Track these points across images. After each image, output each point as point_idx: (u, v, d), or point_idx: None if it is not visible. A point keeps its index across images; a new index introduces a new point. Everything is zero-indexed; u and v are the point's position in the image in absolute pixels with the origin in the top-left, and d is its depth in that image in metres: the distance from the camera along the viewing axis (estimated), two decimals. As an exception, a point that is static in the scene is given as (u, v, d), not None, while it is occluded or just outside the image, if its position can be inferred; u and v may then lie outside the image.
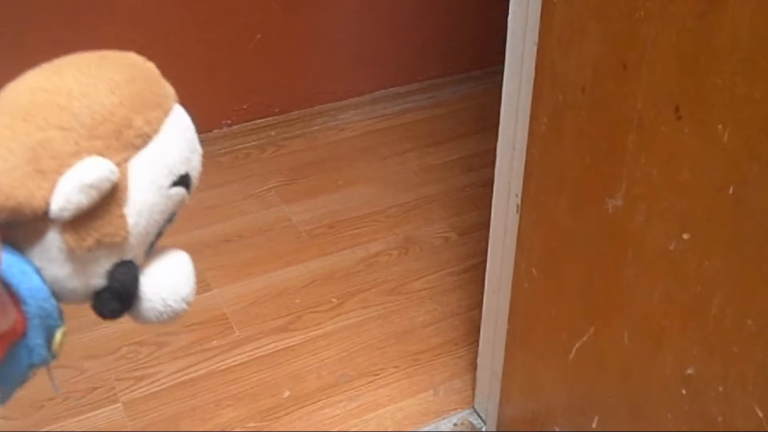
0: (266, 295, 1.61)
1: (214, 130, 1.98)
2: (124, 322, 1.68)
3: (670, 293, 0.76)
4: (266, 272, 1.66)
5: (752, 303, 0.66)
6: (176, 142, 0.57)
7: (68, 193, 0.49)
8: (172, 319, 0.59)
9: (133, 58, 0.57)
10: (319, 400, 1.42)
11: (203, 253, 1.68)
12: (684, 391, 0.76)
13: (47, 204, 0.50)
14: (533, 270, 1.01)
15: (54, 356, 0.54)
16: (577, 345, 0.93)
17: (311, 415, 1.39)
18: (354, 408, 1.41)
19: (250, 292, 1.61)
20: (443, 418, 1.39)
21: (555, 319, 0.99)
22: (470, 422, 1.39)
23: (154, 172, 0.55)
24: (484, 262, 1.23)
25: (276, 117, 2.04)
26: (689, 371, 0.75)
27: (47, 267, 0.52)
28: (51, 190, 0.50)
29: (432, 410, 1.41)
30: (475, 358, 1.35)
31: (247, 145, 1.99)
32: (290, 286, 1.63)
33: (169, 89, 0.58)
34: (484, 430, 1.37)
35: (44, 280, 0.52)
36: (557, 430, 1.04)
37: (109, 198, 0.52)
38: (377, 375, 1.46)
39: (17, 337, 0.50)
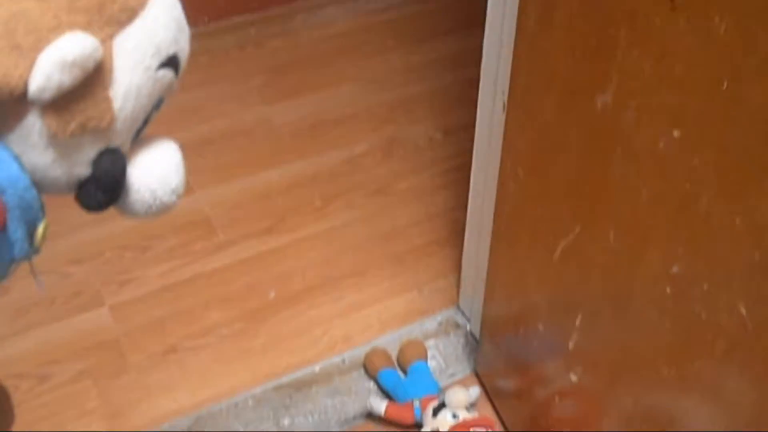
0: (249, 198, 1.59)
1: (191, 29, 1.91)
2: (107, 225, 1.64)
3: (658, 192, 0.75)
4: (248, 174, 1.64)
5: (741, 201, 0.65)
6: (163, 18, 0.53)
7: (48, 71, 0.46)
8: (161, 212, 0.57)
9: None
10: (304, 301, 1.43)
11: (184, 156, 1.65)
12: (668, 290, 0.76)
13: (25, 84, 0.46)
14: (519, 169, 0.99)
15: (36, 251, 0.52)
16: (562, 244, 0.93)
17: (297, 316, 1.41)
18: (339, 308, 1.42)
19: (233, 195, 1.60)
20: (428, 317, 1.41)
21: (540, 219, 0.98)
22: (455, 321, 1.41)
23: (141, 51, 0.51)
24: (470, 162, 1.22)
25: (255, 13, 1.96)
26: (674, 269, 0.75)
27: (27, 154, 0.49)
28: (29, 69, 0.46)
29: (417, 309, 1.42)
30: (460, 257, 1.36)
31: (226, 44, 1.93)
32: (273, 188, 1.61)
33: None
34: (468, 328, 1.39)
35: (24, 169, 0.49)
36: (540, 328, 1.05)
37: (93, 78, 0.48)
38: (362, 276, 1.47)
39: None
